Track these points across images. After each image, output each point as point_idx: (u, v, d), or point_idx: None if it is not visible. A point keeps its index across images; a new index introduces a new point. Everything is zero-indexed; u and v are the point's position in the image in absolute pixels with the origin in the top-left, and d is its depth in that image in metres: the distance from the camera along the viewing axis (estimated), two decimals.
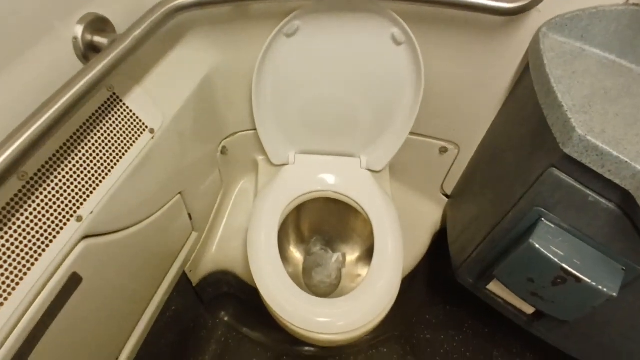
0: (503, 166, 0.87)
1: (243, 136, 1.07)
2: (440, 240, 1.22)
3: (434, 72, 0.89)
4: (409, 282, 1.16)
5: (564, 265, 0.68)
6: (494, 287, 0.89)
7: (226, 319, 1.19)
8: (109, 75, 0.59)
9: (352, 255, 1.14)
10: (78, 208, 0.59)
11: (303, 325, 0.79)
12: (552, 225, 0.72)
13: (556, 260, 0.69)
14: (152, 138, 0.71)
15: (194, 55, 0.84)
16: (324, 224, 1.14)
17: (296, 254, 1.15)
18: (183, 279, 1.01)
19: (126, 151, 0.67)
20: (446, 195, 1.19)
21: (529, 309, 0.87)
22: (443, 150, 1.07)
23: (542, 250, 0.69)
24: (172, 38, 0.80)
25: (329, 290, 1.07)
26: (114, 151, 0.65)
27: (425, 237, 1.21)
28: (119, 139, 0.66)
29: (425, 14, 0.81)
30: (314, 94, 0.93)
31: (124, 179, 0.65)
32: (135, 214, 0.73)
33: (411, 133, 0.97)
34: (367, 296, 0.83)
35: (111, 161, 0.64)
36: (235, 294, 1.19)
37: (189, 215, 0.94)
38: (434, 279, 1.31)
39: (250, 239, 0.90)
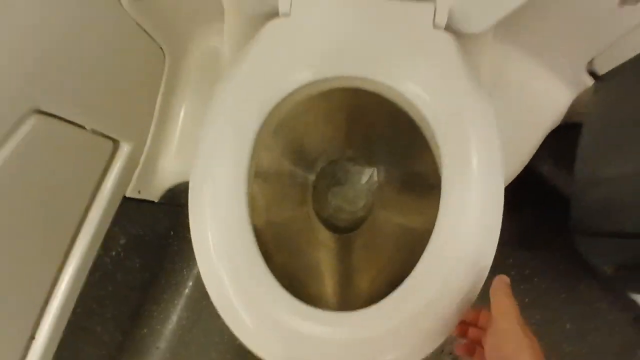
0: None
1: None
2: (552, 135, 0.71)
3: None
4: None
5: None
6: None
7: None
8: None
9: (391, 177, 0.70)
10: None
11: None
12: None
13: None
14: None
15: None
16: (346, 136, 0.66)
17: (296, 170, 0.71)
18: (131, 205, 0.68)
19: None
20: (594, 76, 0.61)
21: None
22: None
23: None
24: None
25: (351, 221, 0.70)
26: None
27: (534, 137, 0.70)
28: None
29: None
30: None
31: None
32: None
33: None
34: (427, 308, 0.40)
35: None
36: None
37: (98, 132, 0.52)
38: (525, 181, 0.86)
39: (194, 187, 0.46)
